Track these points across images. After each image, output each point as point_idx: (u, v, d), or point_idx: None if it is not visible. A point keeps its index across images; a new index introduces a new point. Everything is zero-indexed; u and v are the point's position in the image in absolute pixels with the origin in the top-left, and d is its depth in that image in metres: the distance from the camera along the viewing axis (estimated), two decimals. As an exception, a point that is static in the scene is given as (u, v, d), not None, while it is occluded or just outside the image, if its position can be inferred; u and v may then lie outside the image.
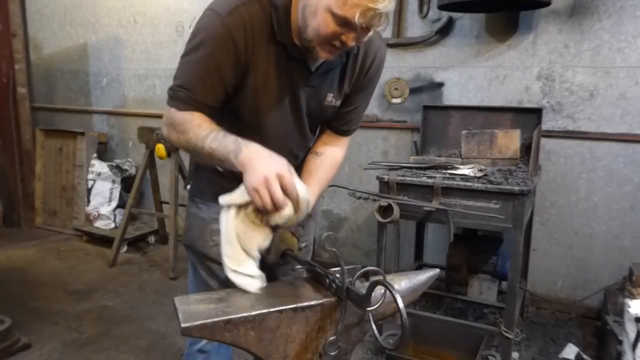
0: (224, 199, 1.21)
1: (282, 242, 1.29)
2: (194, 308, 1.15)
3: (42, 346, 2.69)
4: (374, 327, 1.15)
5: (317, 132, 1.62)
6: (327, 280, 1.20)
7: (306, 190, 1.21)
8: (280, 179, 1.14)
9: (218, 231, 1.26)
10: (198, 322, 1.09)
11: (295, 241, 1.31)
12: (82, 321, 2.97)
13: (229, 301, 1.19)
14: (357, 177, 3.58)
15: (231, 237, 1.21)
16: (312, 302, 1.18)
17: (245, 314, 1.12)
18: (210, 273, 1.61)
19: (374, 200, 2.36)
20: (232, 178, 1.37)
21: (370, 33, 1.22)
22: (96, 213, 4.38)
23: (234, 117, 1.40)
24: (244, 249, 1.22)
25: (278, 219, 1.18)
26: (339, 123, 1.56)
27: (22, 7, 4.71)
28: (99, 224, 4.37)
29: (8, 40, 4.55)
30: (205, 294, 1.28)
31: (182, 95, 1.30)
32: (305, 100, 1.41)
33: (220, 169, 1.43)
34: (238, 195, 1.20)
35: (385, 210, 2.30)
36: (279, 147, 1.37)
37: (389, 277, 1.34)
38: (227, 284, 1.49)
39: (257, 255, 1.25)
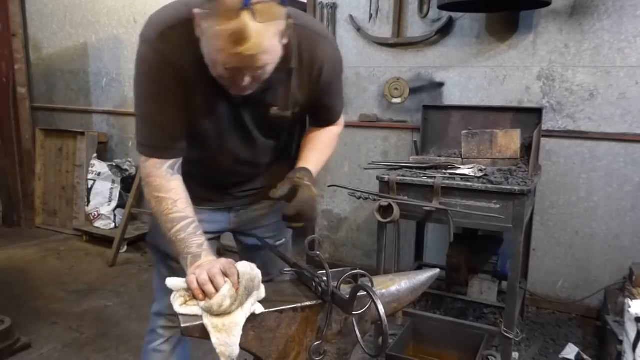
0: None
1: (287, 182, 1.33)
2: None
3: (42, 346, 2.69)
4: (357, 331, 1.15)
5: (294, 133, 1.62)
6: (314, 284, 1.20)
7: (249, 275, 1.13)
8: (224, 271, 1.12)
9: None
10: (198, 322, 1.09)
11: (299, 180, 1.35)
12: (82, 321, 2.97)
13: (228, 301, 1.19)
14: (357, 177, 3.58)
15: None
16: (313, 302, 1.18)
17: (245, 314, 1.11)
18: (173, 273, 1.57)
19: (374, 200, 2.35)
20: (201, 181, 1.45)
21: (267, 69, 1.17)
22: (96, 213, 4.38)
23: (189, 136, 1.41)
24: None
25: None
26: (318, 121, 1.58)
27: (22, 7, 4.71)
28: (99, 223, 4.37)
29: (8, 40, 4.55)
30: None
31: (152, 145, 1.32)
32: (250, 117, 1.40)
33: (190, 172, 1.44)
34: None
35: (385, 210, 2.30)
36: (234, 161, 1.46)
37: (389, 277, 1.34)
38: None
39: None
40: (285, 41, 1.19)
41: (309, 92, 1.42)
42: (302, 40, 1.33)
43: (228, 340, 1.08)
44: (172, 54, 1.24)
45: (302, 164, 1.45)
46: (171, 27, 1.23)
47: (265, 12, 1.06)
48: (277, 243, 1.69)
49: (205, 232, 1.31)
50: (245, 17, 1.04)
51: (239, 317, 1.09)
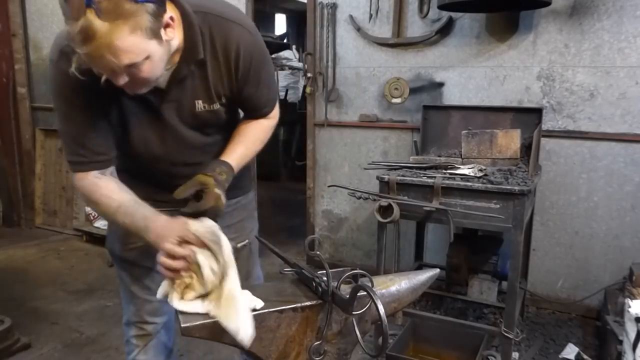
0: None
1: (195, 181, 1.29)
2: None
3: (42, 346, 2.69)
4: (357, 331, 1.15)
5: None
6: (314, 284, 1.20)
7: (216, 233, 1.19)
8: (182, 239, 1.17)
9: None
10: (198, 322, 1.09)
11: (210, 180, 1.29)
12: (82, 321, 2.97)
13: (228, 301, 1.19)
14: (357, 177, 3.58)
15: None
16: (313, 302, 1.18)
17: (245, 314, 1.11)
18: (133, 278, 1.57)
19: (374, 200, 2.35)
20: (149, 183, 1.44)
21: (140, 67, 1.13)
22: (96, 213, 4.38)
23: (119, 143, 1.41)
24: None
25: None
26: (248, 112, 1.52)
27: (22, 7, 4.70)
28: (99, 224, 4.36)
29: (8, 40, 4.55)
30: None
31: (76, 160, 1.34)
32: (175, 114, 1.37)
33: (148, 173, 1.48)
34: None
35: (385, 210, 2.30)
36: (170, 163, 1.43)
37: (389, 277, 1.34)
38: (149, 288, 1.53)
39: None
40: (168, 37, 1.17)
41: (229, 81, 1.37)
42: (213, 28, 1.30)
43: (237, 315, 1.09)
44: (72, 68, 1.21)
45: (224, 156, 1.40)
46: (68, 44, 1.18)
47: (112, 10, 1.02)
48: (239, 245, 1.62)
49: None
50: (90, 16, 1.02)
51: (232, 285, 1.13)
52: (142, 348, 1.60)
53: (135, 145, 1.40)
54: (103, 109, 1.32)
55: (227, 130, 1.51)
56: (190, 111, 1.37)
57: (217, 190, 1.28)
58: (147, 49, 1.12)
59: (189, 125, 1.40)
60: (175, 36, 1.22)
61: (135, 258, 1.53)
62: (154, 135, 1.39)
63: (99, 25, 1.02)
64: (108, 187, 1.34)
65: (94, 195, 1.35)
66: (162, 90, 1.31)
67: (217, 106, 1.39)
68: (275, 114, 1.57)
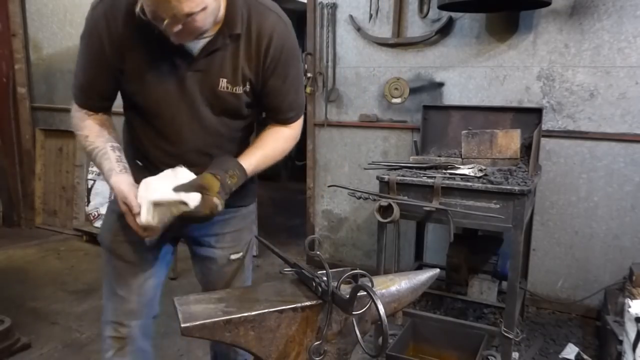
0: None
1: (198, 182, 1.29)
2: (194, 308, 1.15)
3: (42, 346, 2.69)
4: (357, 331, 1.15)
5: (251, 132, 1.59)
6: (314, 284, 1.20)
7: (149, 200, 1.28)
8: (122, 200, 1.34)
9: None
10: (198, 322, 1.09)
11: (216, 184, 1.28)
12: (82, 321, 2.97)
13: (229, 301, 1.19)
14: (357, 177, 3.58)
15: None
16: (313, 302, 1.18)
17: (245, 314, 1.12)
18: (116, 273, 1.55)
19: (374, 200, 2.35)
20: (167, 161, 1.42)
21: (195, 16, 1.19)
22: (96, 213, 4.38)
23: (134, 107, 1.46)
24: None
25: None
26: (272, 114, 1.50)
27: (22, 7, 4.71)
28: (99, 223, 4.36)
29: (8, 40, 4.55)
30: (205, 293, 1.28)
31: (76, 94, 1.46)
32: (197, 86, 1.37)
33: (140, 163, 1.52)
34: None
35: (385, 210, 2.30)
36: (181, 142, 1.43)
37: (389, 277, 1.34)
38: (130, 286, 1.55)
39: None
40: None
41: (257, 67, 1.38)
42: (252, 10, 1.34)
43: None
44: (100, 20, 1.32)
45: (241, 159, 1.40)
46: None
47: None
48: (232, 257, 1.59)
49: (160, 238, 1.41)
50: None
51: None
52: (118, 351, 1.55)
53: (150, 104, 1.40)
54: (118, 64, 1.36)
55: (243, 134, 1.51)
56: (213, 87, 1.37)
57: (216, 200, 1.27)
58: (208, 3, 1.19)
59: (207, 103, 1.40)
60: (222, 2, 1.28)
61: (123, 252, 1.52)
62: (175, 105, 1.39)
63: None
64: (91, 128, 1.45)
65: (78, 128, 1.46)
66: (193, 57, 1.33)
67: (240, 90, 1.39)
68: (299, 125, 1.54)
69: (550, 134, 2.97)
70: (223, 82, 1.36)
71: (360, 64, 3.45)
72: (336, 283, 1.12)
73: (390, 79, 3.31)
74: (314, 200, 3.82)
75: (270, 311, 1.14)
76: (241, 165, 1.37)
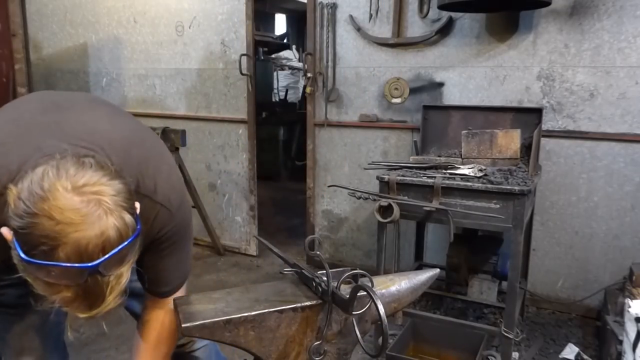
0: None
1: None
2: (194, 308, 1.15)
3: (42, 346, 2.69)
4: (357, 331, 1.15)
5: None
6: (314, 284, 1.20)
7: None
8: None
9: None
10: (198, 322, 1.09)
11: None
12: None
13: (228, 301, 1.19)
14: (357, 177, 3.58)
15: None
16: (313, 302, 1.18)
17: (245, 314, 1.12)
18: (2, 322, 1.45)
19: (374, 200, 2.35)
20: None
21: None
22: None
23: None
24: None
25: None
26: (153, 286, 1.33)
27: (22, 7, 4.71)
28: (99, 224, 4.36)
29: (8, 40, 4.55)
30: (205, 293, 1.28)
31: None
32: None
33: None
34: None
35: (385, 210, 2.30)
36: None
37: (389, 277, 1.34)
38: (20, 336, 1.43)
39: None
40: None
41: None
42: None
43: None
44: None
45: None
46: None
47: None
48: None
49: None
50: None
51: None
52: None
53: None
54: None
55: None
56: None
57: None
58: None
59: None
60: None
61: (9, 299, 1.40)
62: None
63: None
64: None
65: None
66: None
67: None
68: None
69: (550, 134, 2.97)
70: None
71: (360, 64, 3.45)
72: (336, 283, 1.12)
73: (390, 79, 3.31)
74: (314, 200, 3.82)
75: (270, 311, 1.14)
76: None
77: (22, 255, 0.89)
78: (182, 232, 1.28)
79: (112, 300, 0.97)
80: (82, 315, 0.96)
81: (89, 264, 0.90)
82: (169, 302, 1.31)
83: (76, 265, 0.89)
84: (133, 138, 1.22)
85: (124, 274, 0.97)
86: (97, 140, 1.11)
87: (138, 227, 0.97)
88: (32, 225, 0.88)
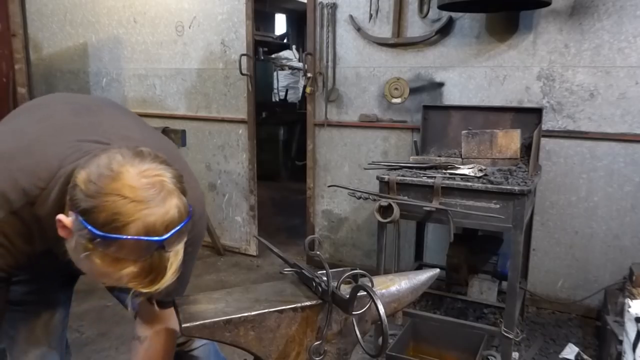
0: None
1: None
2: (194, 308, 1.15)
3: (42, 346, 2.69)
4: (357, 331, 1.15)
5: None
6: (314, 284, 1.20)
7: None
8: None
9: None
10: (198, 322, 1.09)
11: None
12: (82, 321, 2.97)
13: (228, 301, 1.19)
14: (357, 177, 3.58)
15: None
16: (313, 302, 1.18)
17: (245, 314, 1.12)
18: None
19: (374, 200, 2.35)
20: None
21: None
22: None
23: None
24: None
25: None
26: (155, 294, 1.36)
27: (22, 7, 4.71)
28: (99, 224, 4.36)
29: (8, 40, 4.55)
30: (205, 293, 1.28)
31: None
32: None
33: None
34: None
35: (385, 210, 2.30)
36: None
37: (389, 277, 1.34)
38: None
39: None
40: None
41: None
42: None
43: None
44: None
45: None
46: None
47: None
48: None
49: None
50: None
51: None
52: None
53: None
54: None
55: None
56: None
57: None
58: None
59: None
60: None
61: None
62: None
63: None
64: None
65: None
66: None
67: None
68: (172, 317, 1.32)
69: (550, 134, 2.97)
70: None
71: (360, 64, 3.45)
72: (336, 283, 1.12)
73: (390, 79, 3.31)
74: (314, 200, 3.82)
75: (270, 311, 1.14)
76: None
77: (96, 231, 0.94)
78: (196, 243, 1.32)
79: (170, 275, 1.02)
80: (144, 291, 1.00)
81: (159, 238, 0.97)
82: (166, 316, 1.34)
83: (147, 238, 0.95)
84: (164, 150, 1.24)
85: (180, 251, 1.03)
86: (134, 142, 1.15)
87: (190, 208, 1.05)
88: (104, 203, 0.95)
